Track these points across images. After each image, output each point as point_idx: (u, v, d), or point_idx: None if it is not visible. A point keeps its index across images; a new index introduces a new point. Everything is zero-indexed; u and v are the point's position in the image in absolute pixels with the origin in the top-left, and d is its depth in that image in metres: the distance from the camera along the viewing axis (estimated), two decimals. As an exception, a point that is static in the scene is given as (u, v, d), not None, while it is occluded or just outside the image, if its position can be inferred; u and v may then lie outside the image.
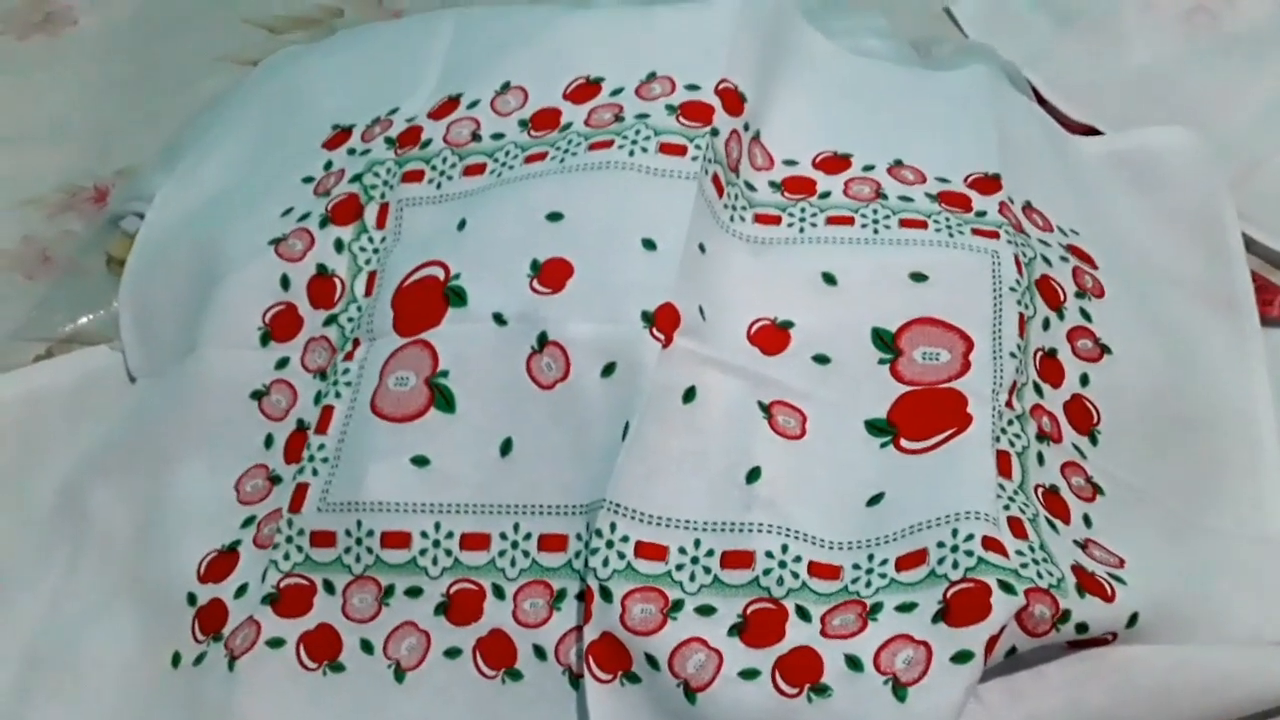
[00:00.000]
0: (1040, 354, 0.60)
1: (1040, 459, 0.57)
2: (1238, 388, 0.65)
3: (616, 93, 0.65)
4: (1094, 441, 0.59)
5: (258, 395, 0.62)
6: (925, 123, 0.68)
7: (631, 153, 0.61)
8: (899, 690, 0.48)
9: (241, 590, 0.57)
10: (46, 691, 0.58)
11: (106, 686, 0.57)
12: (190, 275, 0.66)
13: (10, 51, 0.88)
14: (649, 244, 0.58)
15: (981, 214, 0.62)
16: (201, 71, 0.85)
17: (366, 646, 0.55)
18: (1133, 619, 0.52)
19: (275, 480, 0.60)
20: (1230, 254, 0.70)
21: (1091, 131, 0.77)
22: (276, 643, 0.56)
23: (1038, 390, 0.59)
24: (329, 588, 0.56)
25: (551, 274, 0.58)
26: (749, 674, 0.50)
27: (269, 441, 0.61)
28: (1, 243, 0.75)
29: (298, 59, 0.77)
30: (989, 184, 0.64)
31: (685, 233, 0.58)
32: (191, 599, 0.58)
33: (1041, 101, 0.79)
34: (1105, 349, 0.61)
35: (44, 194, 0.78)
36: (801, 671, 0.50)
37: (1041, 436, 0.57)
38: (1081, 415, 0.60)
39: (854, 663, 0.49)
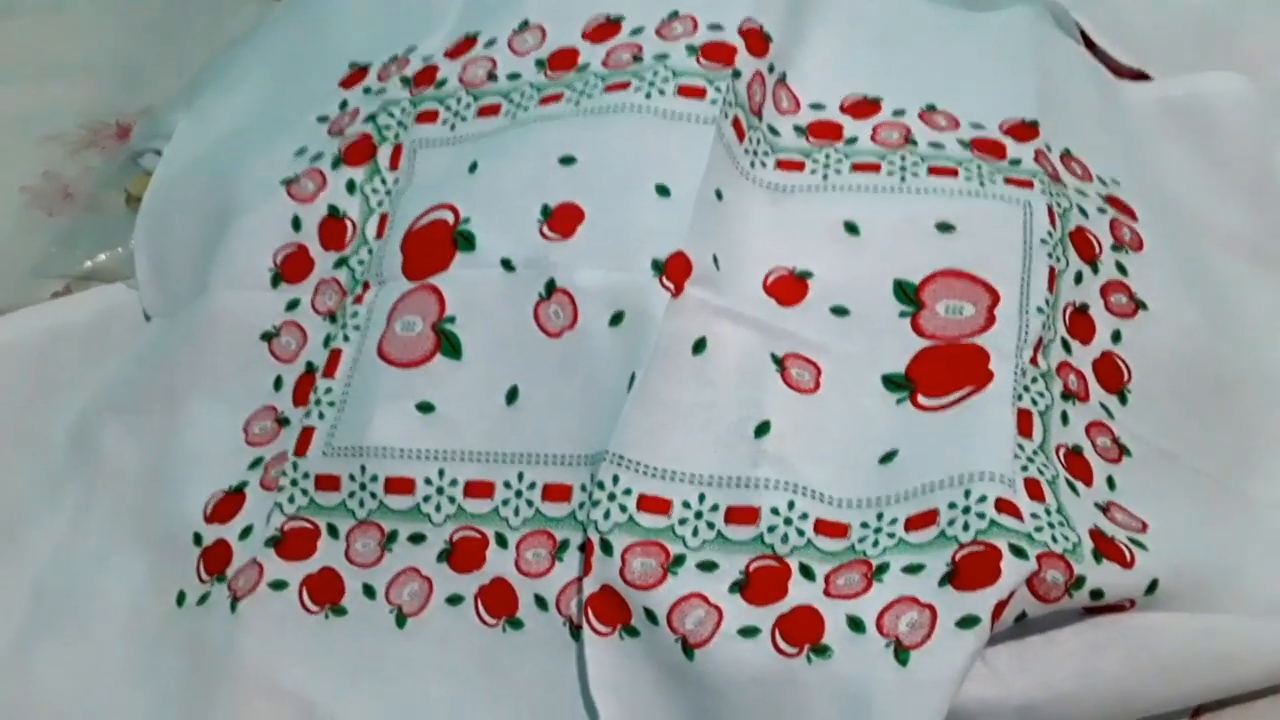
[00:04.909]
0: (1071, 309, 0.57)
1: (1065, 418, 0.55)
2: (1284, 350, 0.63)
3: (636, 32, 0.63)
4: (1123, 401, 0.57)
5: (268, 337, 0.62)
6: (961, 66, 0.65)
7: (649, 95, 0.60)
8: (901, 653, 0.47)
9: (246, 532, 0.57)
10: (54, 627, 0.58)
11: (113, 624, 0.58)
12: (204, 214, 0.65)
13: (39, -15, 0.88)
14: (663, 190, 0.57)
15: (1016, 162, 0.60)
16: (230, 7, 0.84)
17: (369, 591, 0.55)
18: (1152, 586, 0.50)
19: (283, 422, 0.60)
20: (1281, 208, 0.67)
21: (1141, 77, 0.74)
22: (279, 585, 0.56)
23: (1066, 347, 0.57)
24: (333, 532, 0.56)
25: (562, 219, 0.57)
26: (749, 632, 0.49)
27: (278, 383, 0.61)
28: (24, 178, 0.75)
29: (321, -6, 0.76)
30: (1026, 131, 0.61)
31: (701, 179, 0.56)
32: (198, 539, 0.58)
33: (1090, 45, 0.75)
34: (1141, 305, 0.59)
35: (67, 130, 0.77)
36: (802, 631, 0.49)
37: (1067, 395, 0.55)
38: (1111, 373, 0.57)
39: (856, 624, 0.48)
